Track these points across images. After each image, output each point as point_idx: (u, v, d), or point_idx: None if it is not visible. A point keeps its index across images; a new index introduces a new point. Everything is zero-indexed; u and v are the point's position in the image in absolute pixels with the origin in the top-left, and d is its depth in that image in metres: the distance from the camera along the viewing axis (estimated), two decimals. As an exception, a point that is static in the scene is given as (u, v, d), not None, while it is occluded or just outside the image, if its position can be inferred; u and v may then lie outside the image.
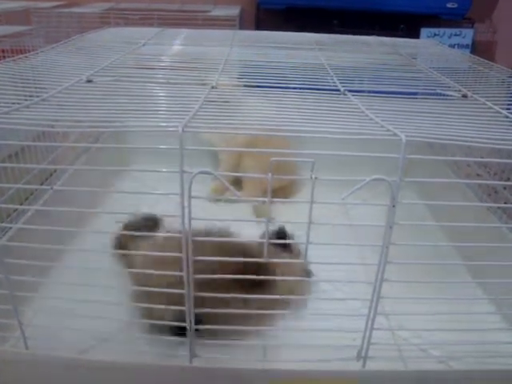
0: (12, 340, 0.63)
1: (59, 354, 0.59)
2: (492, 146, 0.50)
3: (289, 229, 0.76)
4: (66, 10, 1.80)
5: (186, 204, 0.48)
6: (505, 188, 0.95)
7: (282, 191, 1.08)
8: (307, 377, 0.56)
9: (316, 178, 0.46)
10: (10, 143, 0.69)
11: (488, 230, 0.81)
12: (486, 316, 0.72)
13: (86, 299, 0.58)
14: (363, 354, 0.58)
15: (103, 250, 0.61)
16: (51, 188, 0.74)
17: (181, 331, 0.57)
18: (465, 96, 0.69)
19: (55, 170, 0.96)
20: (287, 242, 0.73)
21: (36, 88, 0.63)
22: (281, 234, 0.76)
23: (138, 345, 0.63)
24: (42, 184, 0.90)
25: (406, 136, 0.47)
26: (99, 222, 0.94)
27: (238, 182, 1.11)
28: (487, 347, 0.63)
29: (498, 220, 0.86)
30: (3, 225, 0.69)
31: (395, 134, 0.48)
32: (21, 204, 0.80)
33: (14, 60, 0.77)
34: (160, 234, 0.71)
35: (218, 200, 1.08)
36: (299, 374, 0.57)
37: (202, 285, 0.54)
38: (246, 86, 0.71)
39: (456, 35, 1.88)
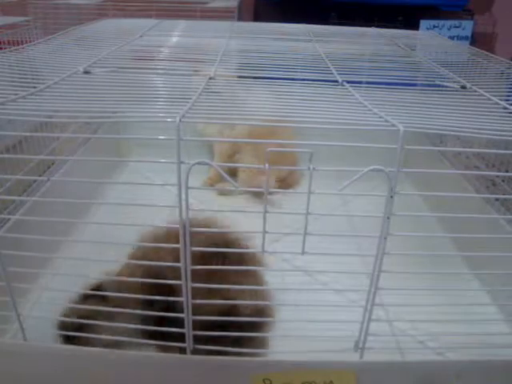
0: (11, 332, 0.64)
1: (58, 345, 0.59)
2: (490, 136, 0.50)
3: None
4: (63, 1, 1.79)
5: (183, 195, 0.48)
6: (503, 180, 0.95)
7: (283, 182, 1.09)
8: (305, 368, 0.57)
9: (314, 168, 0.46)
10: (6, 134, 0.68)
11: (485, 222, 0.81)
12: (483, 307, 0.72)
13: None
14: (361, 345, 0.58)
15: (102, 240, 0.61)
16: (48, 179, 0.74)
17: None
18: (464, 87, 0.69)
19: (53, 163, 0.96)
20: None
21: (33, 79, 0.63)
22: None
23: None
24: (40, 176, 0.90)
25: (404, 127, 0.47)
26: (98, 213, 0.94)
27: (233, 174, 1.11)
28: (484, 338, 0.63)
29: (495, 212, 0.86)
30: (1, 216, 0.69)
31: (393, 125, 0.48)
32: (19, 196, 0.80)
33: (10, 51, 0.77)
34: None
35: (223, 193, 1.08)
36: (297, 365, 0.57)
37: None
38: (243, 77, 0.71)
39: (455, 27, 1.86)
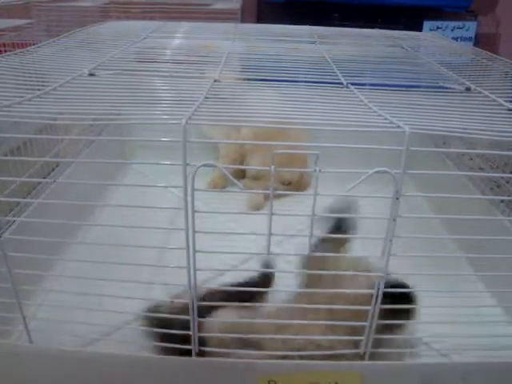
0: (16, 333, 0.64)
1: (63, 347, 0.59)
2: (495, 138, 0.49)
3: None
4: (67, 3, 1.79)
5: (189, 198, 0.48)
6: (508, 182, 0.95)
7: (294, 185, 1.09)
8: (311, 369, 0.56)
9: (320, 170, 0.46)
10: (11, 136, 0.68)
11: (490, 224, 0.81)
12: (489, 309, 0.72)
13: (90, 292, 0.58)
14: (366, 348, 0.58)
15: (106, 242, 0.61)
16: (54, 181, 0.74)
17: None
18: (468, 89, 0.69)
19: (57, 165, 0.96)
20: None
21: (38, 81, 0.63)
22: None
23: (141, 338, 0.63)
24: (44, 179, 0.90)
25: (410, 128, 0.47)
26: (102, 215, 0.94)
27: (240, 177, 1.11)
28: (489, 340, 0.63)
29: (500, 214, 0.86)
30: (6, 218, 0.69)
31: (399, 127, 0.48)
32: (24, 198, 0.80)
33: (15, 54, 0.77)
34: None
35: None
36: (302, 366, 0.57)
37: None
38: (247, 79, 0.71)
39: (459, 28, 1.86)
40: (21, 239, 0.58)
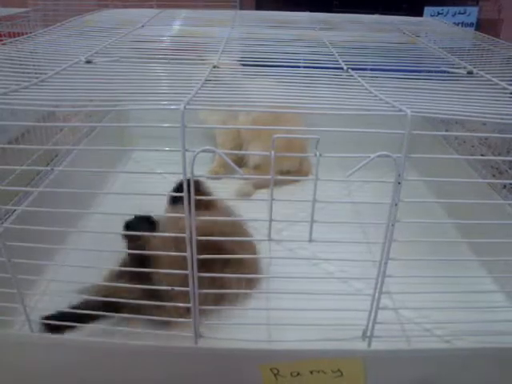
0: (18, 323, 0.64)
1: (64, 336, 0.59)
2: (496, 120, 0.49)
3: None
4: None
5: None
6: (510, 168, 0.94)
7: (294, 174, 1.08)
8: (313, 356, 0.57)
9: (321, 155, 0.46)
10: (8, 124, 0.68)
11: (493, 209, 0.80)
12: (490, 295, 0.72)
13: (91, 281, 0.58)
14: (368, 334, 0.58)
15: (107, 231, 0.61)
16: (52, 169, 0.73)
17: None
18: (470, 73, 0.68)
19: (56, 155, 0.96)
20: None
21: (35, 70, 0.62)
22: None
23: (143, 326, 0.63)
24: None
25: (412, 111, 0.46)
26: (103, 204, 0.94)
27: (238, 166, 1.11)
28: (491, 326, 0.62)
29: (503, 199, 0.85)
30: (7, 207, 0.69)
31: (400, 110, 0.47)
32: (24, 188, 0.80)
33: (11, 42, 0.76)
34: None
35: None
36: (304, 353, 0.57)
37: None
38: (247, 65, 0.70)
39: (460, 13, 1.84)
40: (21, 229, 0.57)
